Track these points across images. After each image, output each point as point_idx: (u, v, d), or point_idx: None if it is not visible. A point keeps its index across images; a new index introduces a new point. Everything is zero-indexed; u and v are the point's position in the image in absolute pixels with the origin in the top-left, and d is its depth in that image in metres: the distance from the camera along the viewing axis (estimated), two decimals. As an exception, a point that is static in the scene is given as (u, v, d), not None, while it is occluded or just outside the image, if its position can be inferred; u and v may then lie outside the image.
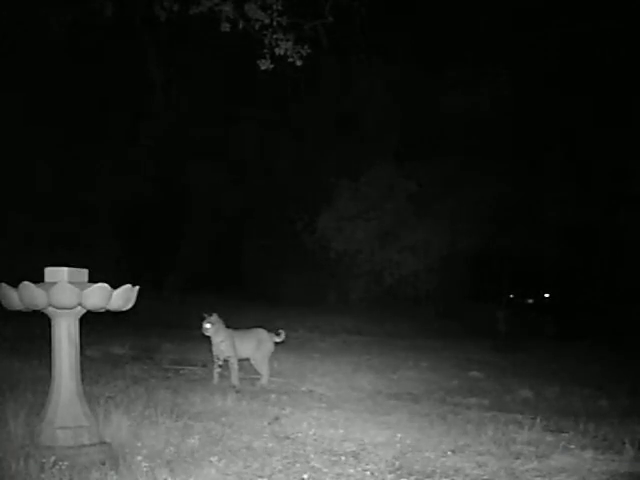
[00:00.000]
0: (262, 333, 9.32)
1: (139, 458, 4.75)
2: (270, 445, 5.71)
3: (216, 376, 8.91)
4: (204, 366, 10.20)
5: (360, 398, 8.67)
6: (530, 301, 32.61)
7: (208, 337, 8.89)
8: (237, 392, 8.15)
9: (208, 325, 8.74)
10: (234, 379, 8.86)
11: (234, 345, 8.93)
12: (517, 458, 5.70)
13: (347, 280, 26.31)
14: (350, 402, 8.23)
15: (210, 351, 8.97)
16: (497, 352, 16.58)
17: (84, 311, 4.83)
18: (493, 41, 21.71)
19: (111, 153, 22.21)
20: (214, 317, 8.83)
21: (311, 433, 6.29)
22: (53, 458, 4.38)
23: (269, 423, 6.52)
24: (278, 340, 9.35)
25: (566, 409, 8.73)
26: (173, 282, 24.56)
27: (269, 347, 9.25)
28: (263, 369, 9.18)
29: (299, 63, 10.14)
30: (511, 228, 24.81)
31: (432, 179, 24.53)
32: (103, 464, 4.56)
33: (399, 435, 6.31)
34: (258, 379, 9.29)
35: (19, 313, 5.01)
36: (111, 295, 4.76)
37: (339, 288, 26.58)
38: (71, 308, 4.72)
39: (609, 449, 6.16)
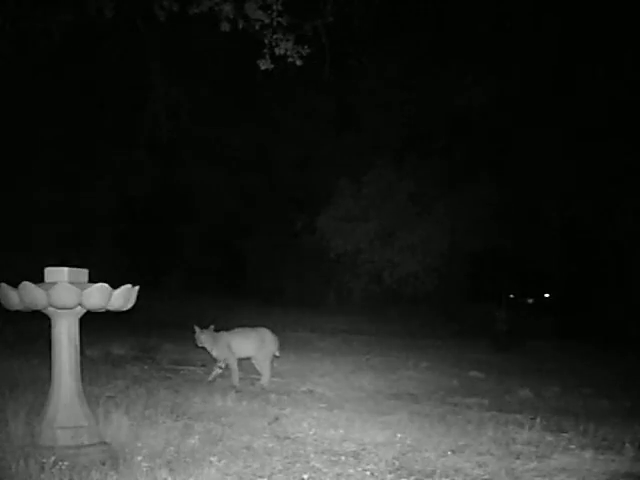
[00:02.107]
0: (265, 333, 9.28)
1: (139, 458, 4.75)
2: (270, 445, 5.71)
3: (213, 374, 8.98)
4: (204, 366, 10.22)
5: (360, 398, 8.66)
6: (530, 301, 32.60)
7: None
8: (237, 392, 8.15)
9: (198, 343, 8.93)
10: (234, 380, 8.87)
11: (230, 347, 8.93)
12: (517, 458, 5.70)
13: (347, 280, 26.32)
14: (350, 402, 8.22)
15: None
16: (497, 352, 16.58)
17: (84, 311, 4.83)
18: (494, 41, 21.71)
19: (111, 153, 22.22)
20: (197, 332, 8.89)
21: (311, 433, 6.29)
22: (53, 458, 4.38)
23: (269, 423, 6.52)
24: (277, 354, 9.34)
25: (566, 409, 8.73)
26: (173, 282, 24.57)
27: (272, 348, 9.19)
28: (264, 369, 9.16)
29: (299, 63, 10.12)
30: (511, 228, 24.80)
31: (432, 179, 24.53)
32: (103, 464, 4.56)
33: (399, 435, 6.31)
34: (258, 379, 9.29)
35: (19, 313, 5.00)
36: (111, 295, 4.76)
37: (339, 288, 26.58)
38: (71, 308, 4.72)
39: (609, 449, 6.16)
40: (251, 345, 9.09)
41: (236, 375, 8.91)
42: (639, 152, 21.92)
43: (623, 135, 22.51)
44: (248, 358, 9.18)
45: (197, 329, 8.99)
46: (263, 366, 9.13)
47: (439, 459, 5.57)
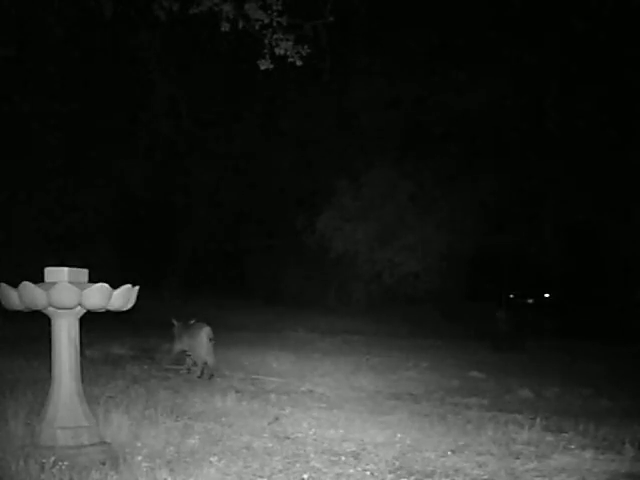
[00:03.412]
0: (198, 329, 9.70)
1: (139, 458, 4.75)
2: (270, 445, 5.70)
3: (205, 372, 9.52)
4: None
5: (360, 398, 8.66)
6: (530, 301, 32.60)
7: None
8: (237, 392, 8.14)
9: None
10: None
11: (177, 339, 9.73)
12: (517, 458, 5.70)
13: (347, 280, 26.31)
14: (350, 402, 8.23)
15: None
16: (497, 352, 16.58)
17: (84, 311, 4.82)
18: (494, 41, 21.69)
19: (111, 153, 22.20)
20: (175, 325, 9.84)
21: (311, 433, 6.29)
22: (53, 458, 4.37)
23: (269, 423, 6.52)
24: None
25: (566, 409, 8.73)
26: (173, 282, 24.57)
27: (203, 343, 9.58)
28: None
29: (299, 63, 10.13)
30: (511, 228, 24.80)
31: (432, 179, 24.53)
32: (103, 464, 4.55)
33: (399, 435, 6.31)
34: (258, 379, 9.36)
35: (19, 313, 5.00)
36: (111, 295, 4.75)
37: (339, 288, 26.57)
38: (71, 308, 4.71)
39: (609, 449, 6.16)
40: (185, 340, 9.66)
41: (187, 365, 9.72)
42: (638, 150, 21.92)
43: (623, 135, 22.50)
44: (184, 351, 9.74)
45: (175, 322, 9.79)
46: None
47: (439, 459, 5.57)
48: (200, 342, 9.35)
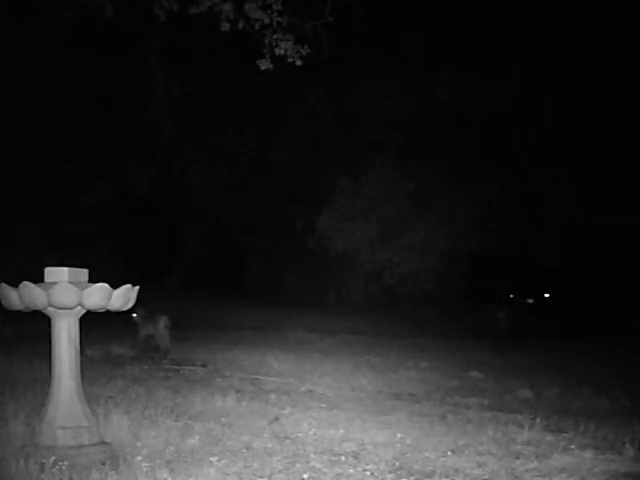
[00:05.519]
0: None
1: (139, 458, 4.74)
2: (270, 445, 5.70)
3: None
4: (204, 366, 10.25)
5: (360, 398, 8.66)
6: (530, 301, 32.60)
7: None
8: (237, 392, 8.14)
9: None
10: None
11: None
12: (517, 458, 5.69)
13: (347, 280, 26.32)
14: (350, 402, 8.22)
15: None
16: (497, 352, 16.59)
17: (84, 311, 4.82)
18: (494, 42, 21.71)
19: (111, 154, 22.21)
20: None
21: (311, 433, 6.28)
22: (53, 458, 4.37)
23: (269, 423, 6.51)
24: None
25: (566, 409, 8.73)
26: (173, 282, 24.58)
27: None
28: None
29: (299, 63, 10.13)
30: (511, 228, 24.80)
31: (432, 179, 24.53)
32: (103, 464, 4.55)
33: (399, 435, 6.30)
34: (258, 379, 9.37)
35: (19, 313, 4.99)
36: (111, 295, 4.75)
37: (339, 288, 26.59)
38: (71, 308, 4.71)
39: (609, 449, 6.15)
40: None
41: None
42: (638, 150, 21.93)
43: (623, 134, 22.51)
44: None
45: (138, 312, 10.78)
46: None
47: (439, 459, 5.56)
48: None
